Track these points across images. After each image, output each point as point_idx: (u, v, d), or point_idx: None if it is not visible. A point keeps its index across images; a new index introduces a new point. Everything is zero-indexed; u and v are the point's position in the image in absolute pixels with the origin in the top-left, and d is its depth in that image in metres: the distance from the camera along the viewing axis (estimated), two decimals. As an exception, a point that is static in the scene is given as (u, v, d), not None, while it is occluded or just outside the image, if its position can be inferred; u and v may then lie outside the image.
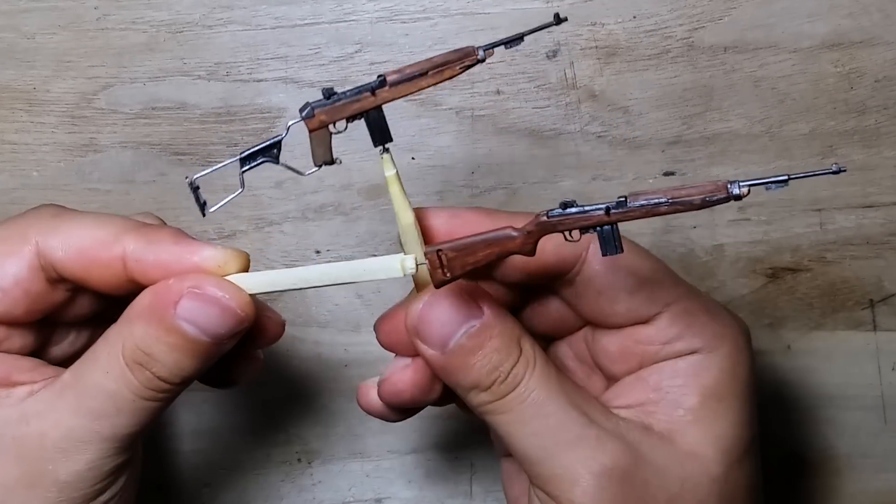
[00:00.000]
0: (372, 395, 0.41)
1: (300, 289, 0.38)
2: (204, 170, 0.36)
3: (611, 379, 0.42)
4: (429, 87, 0.35)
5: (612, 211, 0.34)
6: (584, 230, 0.34)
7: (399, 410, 0.41)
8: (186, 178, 0.37)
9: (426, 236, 0.39)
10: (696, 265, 0.53)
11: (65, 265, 0.38)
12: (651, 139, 0.52)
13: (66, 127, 0.53)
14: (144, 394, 0.37)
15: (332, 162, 0.36)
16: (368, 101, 0.35)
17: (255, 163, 0.36)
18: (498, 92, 0.53)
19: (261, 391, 0.54)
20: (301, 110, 0.35)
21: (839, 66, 0.52)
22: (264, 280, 0.38)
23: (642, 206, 0.33)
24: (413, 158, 0.53)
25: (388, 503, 0.54)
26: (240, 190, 0.37)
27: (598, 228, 0.34)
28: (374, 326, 0.40)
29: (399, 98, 0.35)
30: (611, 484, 0.36)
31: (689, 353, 0.39)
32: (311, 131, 0.36)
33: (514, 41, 0.35)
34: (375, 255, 0.53)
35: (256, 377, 0.42)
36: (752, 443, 0.40)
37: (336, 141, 0.55)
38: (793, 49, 0.52)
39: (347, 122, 0.36)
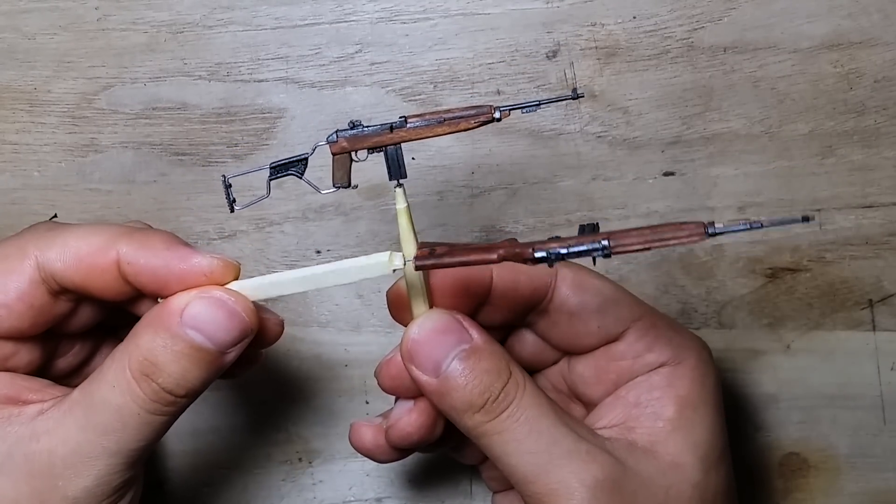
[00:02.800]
0: (364, 435, 0.43)
1: (299, 292, 0.40)
2: (239, 170, 0.40)
3: (589, 405, 0.44)
4: (444, 134, 0.38)
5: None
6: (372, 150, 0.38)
7: (396, 451, 0.43)
8: (223, 175, 0.40)
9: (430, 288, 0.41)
10: (695, 265, 0.53)
11: (65, 275, 0.39)
12: (651, 139, 0.53)
13: (67, 127, 0.53)
14: (150, 407, 0.37)
15: (348, 186, 0.40)
16: (387, 137, 0.39)
17: (283, 174, 0.40)
18: (498, 92, 0.53)
19: (261, 391, 0.54)
20: (328, 136, 0.39)
21: (838, 66, 0.52)
22: (264, 283, 0.39)
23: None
24: (413, 158, 0.53)
25: (389, 503, 0.54)
26: (266, 195, 0.40)
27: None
28: (376, 373, 0.42)
29: (415, 140, 0.38)
30: (603, 495, 0.38)
31: (659, 366, 0.42)
32: (333, 154, 0.39)
33: (530, 107, 0.39)
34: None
35: (255, 373, 0.43)
36: (725, 450, 0.42)
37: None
38: (792, 49, 0.52)
39: (368, 152, 0.39)
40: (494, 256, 0.36)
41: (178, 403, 0.38)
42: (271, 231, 0.54)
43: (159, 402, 0.37)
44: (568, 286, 0.42)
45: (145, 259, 0.38)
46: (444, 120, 0.38)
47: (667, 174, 0.53)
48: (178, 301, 0.38)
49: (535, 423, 0.38)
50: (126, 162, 0.53)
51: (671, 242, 0.34)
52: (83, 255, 0.38)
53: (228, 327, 0.38)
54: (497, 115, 0.38)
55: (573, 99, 0.38)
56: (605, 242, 0.34)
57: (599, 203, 0.53)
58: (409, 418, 0.41)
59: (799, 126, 0.52)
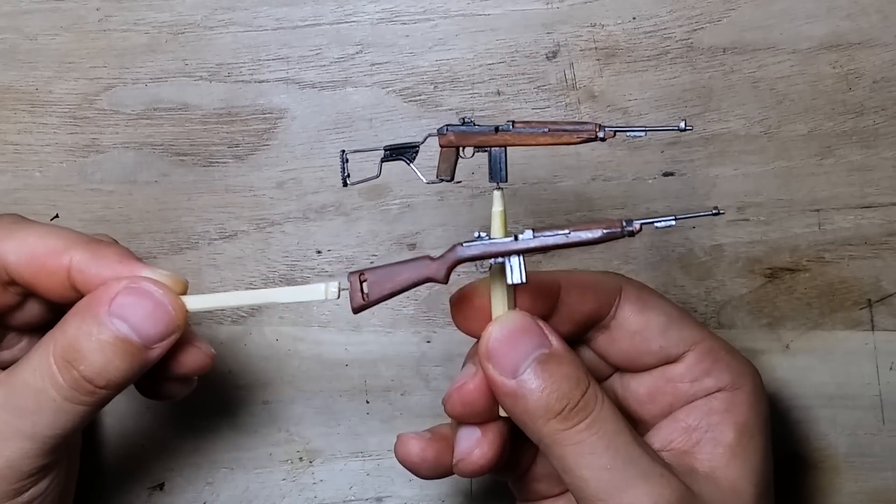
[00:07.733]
0: (411, 448, 0.42)
1: (232, 308, 0.40)
2: (357, 147, 0.41)
3: (639, 423, 0.44)
4: (546, 145, 0.39)
5: (519, 242, 0.37)
6: (492, 259, 0.37)
7: (442, 469, 0.43)
8: (342, 150, 0.40)
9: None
10: (695, 265, 0.53)
11: (16, 269, 0.39)
12: (650, 140, 0.53)
13: (69, 128, 0.54)
14: (68, 394, 0.38)
15: (451, 179, 0.40)
16: (491, 137, 0.39)
17: (395, 158, 0.41)
18: (498, 93, 0.53)
19: (262, 391, 0.54)
20: (439, 128, 0.40)
21: (837, 67, 0.52)
22: (201, 300, 0.40)
23: (546, 237, 0.36)
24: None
25: (389, 502, 0.54)
26: (377, 175, 0.40)
27: (507, 258, 0.37)
28: (445, 399, 0.41)
29: (518, 145, 0.39)
30: None
31: (717, 391, 0.42)
32: (441, 147, 0.40)
33: (636, 131, 0.38)
34: (375, 256, 0.53)
35: (256, 373, 0.43)
36: (772, 474, 0.43)
37: (338, 139, 0.55)
38: (791, 50, 0.52)
39: (474, 150, 0.40)
40: (431, 263, 0.37)
41: (98, 394, 0.38)
42: (272, 231, 0.54)
43: (78, 391, 0.38)
44: (632, 304, 0.42)
45: (96, 269, 0.39)
46: (549, 131, 0.38)
47: (666, 174, 0.53)
48: (108, 291, 0.38)
49: (613, 437, 0.38)
50: (127, 162, 0.54)
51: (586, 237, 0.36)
52: (37, 254, 0.39)
53: (155, 320, 0.38)
54: (601, 134, 0.38)
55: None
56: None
57: (599, 203, 0.53)
58: (481, 451, 0.41)
59: (798, 126, 0.52)
